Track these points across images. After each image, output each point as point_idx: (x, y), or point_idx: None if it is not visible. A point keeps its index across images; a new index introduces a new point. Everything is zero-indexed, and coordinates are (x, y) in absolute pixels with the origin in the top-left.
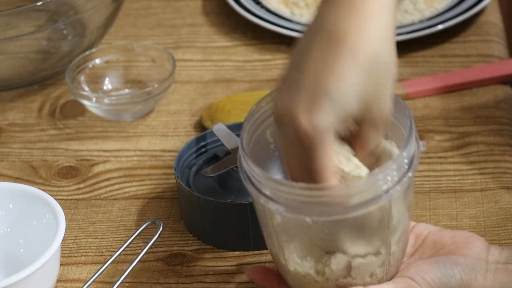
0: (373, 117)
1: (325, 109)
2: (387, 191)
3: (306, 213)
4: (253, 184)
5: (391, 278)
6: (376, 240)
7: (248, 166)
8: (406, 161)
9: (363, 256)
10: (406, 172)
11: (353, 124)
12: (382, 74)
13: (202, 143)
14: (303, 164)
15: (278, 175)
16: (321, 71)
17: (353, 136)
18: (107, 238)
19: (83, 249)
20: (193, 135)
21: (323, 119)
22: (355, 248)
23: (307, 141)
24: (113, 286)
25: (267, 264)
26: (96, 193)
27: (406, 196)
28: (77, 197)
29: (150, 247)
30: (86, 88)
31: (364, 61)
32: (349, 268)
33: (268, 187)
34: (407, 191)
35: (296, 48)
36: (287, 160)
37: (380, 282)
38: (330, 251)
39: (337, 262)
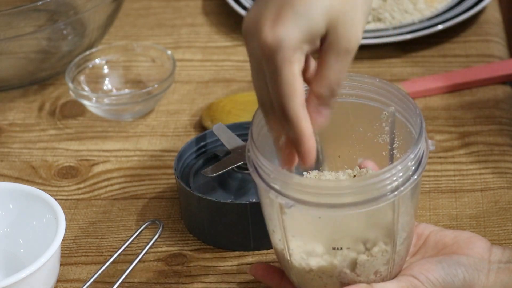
0: (338, 41)
1: (289, 23)
2: (396, 189)
3: (315, 207)
4: (261, 177)
5: (394, 277)
6: (383, 238)
7: (258, 159)
8: (415, 160)
9: (369, 253)
10: (415, 171)
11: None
12: None
13: (202, 143)
14: (271, 88)
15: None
16: None
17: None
18: (107, 238)
19: (83, 249)
20: (193, 135)
21: (287, 33)
22: (362, 245)
23: (271, 56)
24: (113, 286)
25: None
26: (96, 193)
27: (414, 195)
28: (77, 197)
29: (150, 247)
30: (86, 88)
31: None
32: (354, 264)
33: (278, 180)
34: (414, 189)
35: None
36: (256, 85)
37: (383, 280)
38: (336, 247)
39: (343, 259)
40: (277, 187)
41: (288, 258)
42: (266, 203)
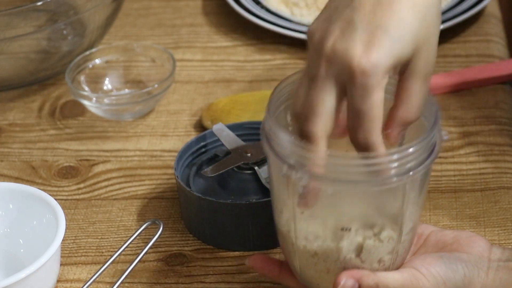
0: (422, 67)
1: (384, 47)
2: (408, 171)
3: (330, 183)
4: (276, 151)
5: (396, 269)
6: (391, 224)
7: (274, 132)
8: (429, 145)
9: (376, 238)
10: (428, 157)
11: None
12: (433, 22)
13: (202, 143)
14: (354, 111)
15: None
16: (379, 10)
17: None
18: (107, 238)
19: (83, 249)
20: (193, 135)
21: (381, 58)
22: (369, 229)
23: (363, 81)
24: (113, 286)
25: None
26: (96, 193)
27: (423, 185)
28: (77, 197)
29: (150, 247)
30: (86, 88)
31: (421, 5)
32: (360, 249)
33: (294, 154)
34: (425, 178)
35: None
36: (313, 99)
37: (386, 270)
38: (344, 228)
39: (350, 243)
40: (291, 161)
41: (294, 240)
42: (278, 180)
